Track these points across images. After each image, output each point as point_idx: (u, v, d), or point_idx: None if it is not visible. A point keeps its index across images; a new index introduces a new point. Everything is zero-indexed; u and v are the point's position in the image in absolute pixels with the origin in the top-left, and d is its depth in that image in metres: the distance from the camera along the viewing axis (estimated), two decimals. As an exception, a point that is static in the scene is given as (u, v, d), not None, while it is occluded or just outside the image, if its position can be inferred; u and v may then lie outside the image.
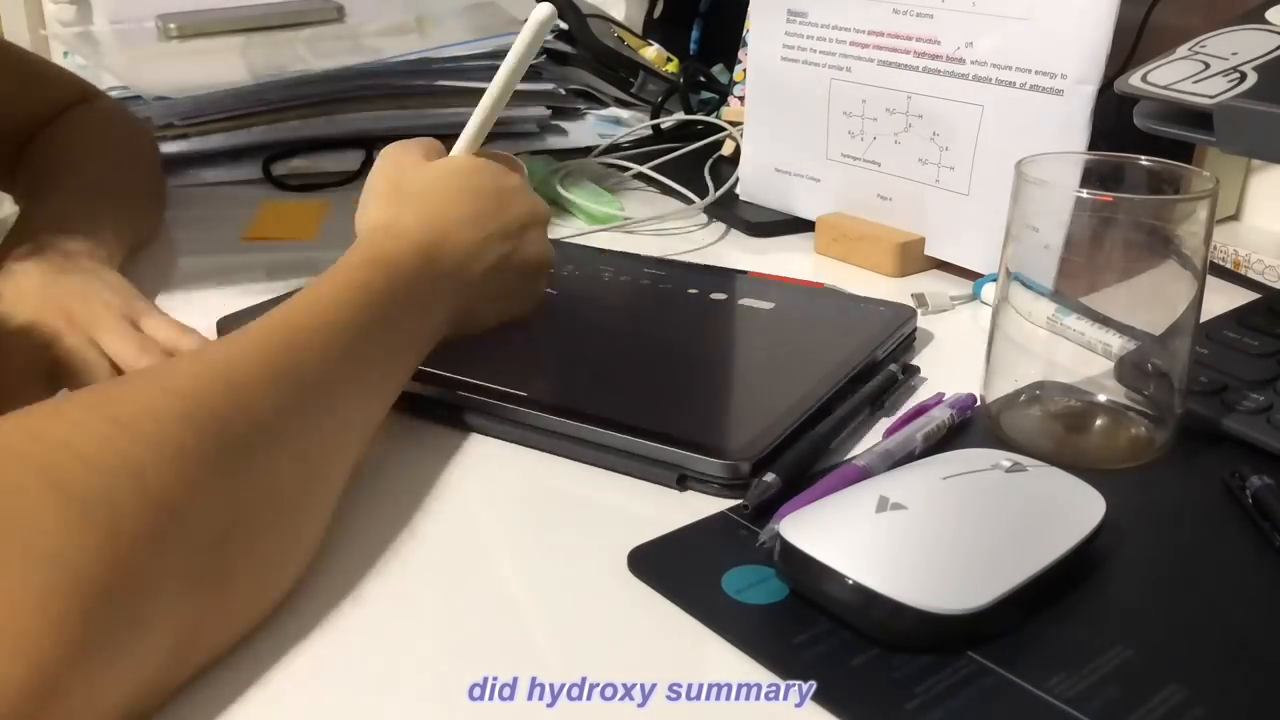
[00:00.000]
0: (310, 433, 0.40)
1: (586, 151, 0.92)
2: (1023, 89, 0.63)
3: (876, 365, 0.54)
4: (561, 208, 0.81)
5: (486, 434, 0.50)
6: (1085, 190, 0.44)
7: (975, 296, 0.66)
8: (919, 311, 0.64)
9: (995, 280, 0.64)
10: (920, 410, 0.49)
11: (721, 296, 0.61)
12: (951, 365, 0.57)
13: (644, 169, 0.86)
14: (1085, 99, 0.60)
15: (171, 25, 1.00)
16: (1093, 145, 0.61)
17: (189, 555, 0.32)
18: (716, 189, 0.80)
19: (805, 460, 0.46)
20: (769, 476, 0.44)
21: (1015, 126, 0.64)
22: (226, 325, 0.58)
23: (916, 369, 0.55)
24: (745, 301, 0.61)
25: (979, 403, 0.50)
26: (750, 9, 0.77)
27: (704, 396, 0.52)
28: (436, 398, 0.51)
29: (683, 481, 0.45)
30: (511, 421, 0.49)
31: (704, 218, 0.80)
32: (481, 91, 0.58)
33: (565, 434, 0.48)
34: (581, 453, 0.47)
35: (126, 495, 0.31)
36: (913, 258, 0.70)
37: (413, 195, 0.53)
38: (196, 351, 0.40)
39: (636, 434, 0.46)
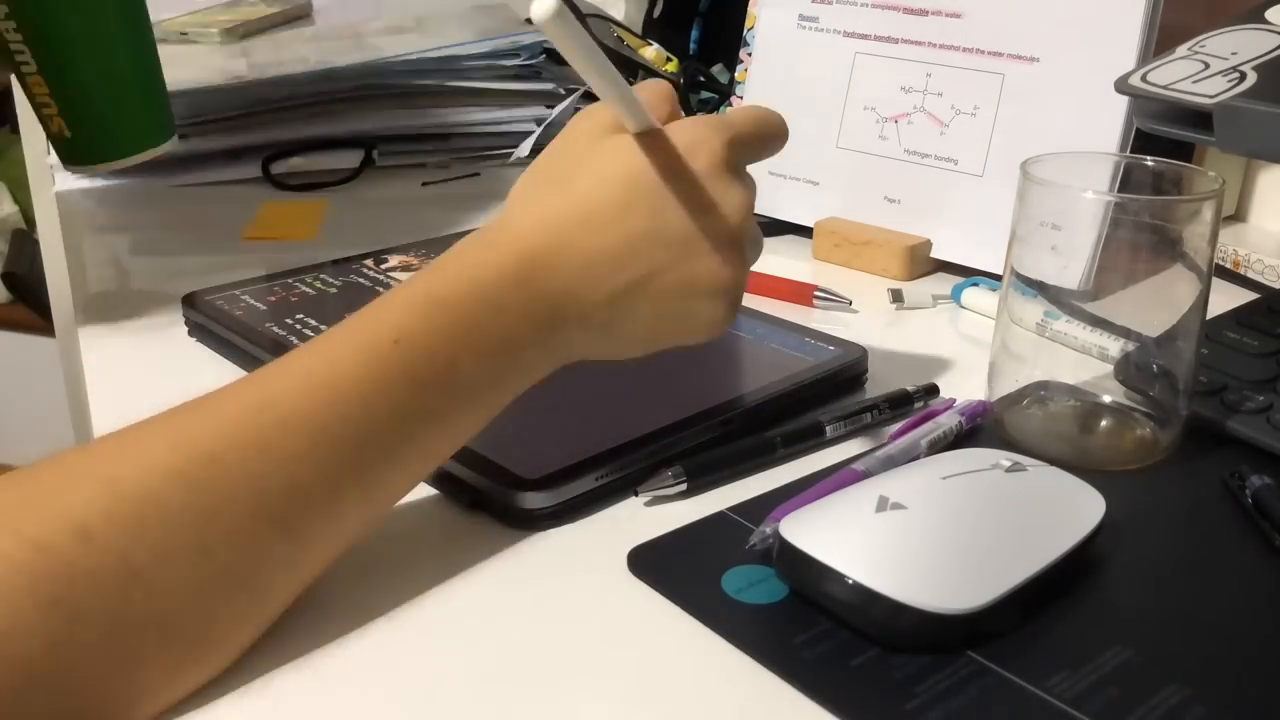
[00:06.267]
0: (265, 561, 0.34)
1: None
2: (1045, 64, 0.63)
3: (788, 409, 0.50)
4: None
5: None
6: (1091, 191, 0.44)
7: (955, 300, 0.66)
8: (894, 307, 0.64)
9: (975, 285, 0.65)
10: (928, 416, 0.49)
11: None
12: (922, 364, 0.57)
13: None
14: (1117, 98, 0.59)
15: (213, 30, 1.00)
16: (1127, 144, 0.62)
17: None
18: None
19: (716, 462, 0.45)
20: (673, 470, 0.44)
21: (1037, 106, 0.65)
22: (192, 299, 0.59)
23: (936, 390, 0.53)
24: None
25: (989, 410, 0.50)
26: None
27: (534, 418, 0.45)
28: None
29: (475, 505, 0.43)
30: None
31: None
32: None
33: None
34: None
35: None
36: (919, 260, 0.70)
37: (550, 175, 0.41)
38: (121, 463, 0.33)
39: None
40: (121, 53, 0.68)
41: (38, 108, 0.66)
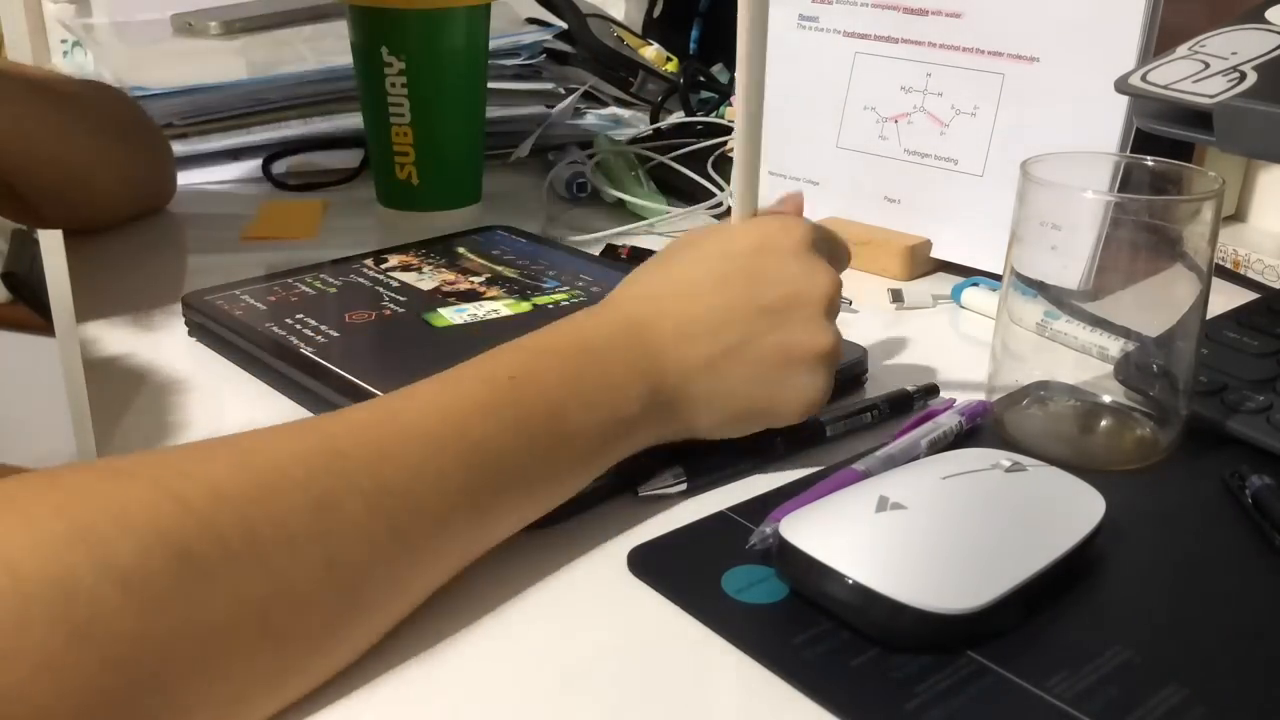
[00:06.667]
0: (375, 562, 0.34)
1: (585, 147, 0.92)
2: (1045, 64, 0.63)
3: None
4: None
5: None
6: (1091, 191, 0.44)
7: (955, 300, 0.66)
8: (894, 307, 0.64)
9: (975, 285, 0.65)
10: (928, 416, 0.49)
11: None
12: (922, 364, 0.57)
13: (666, 159, 0.85)
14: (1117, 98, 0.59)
15: (212, 23, 1.00)
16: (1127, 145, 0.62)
17: (103, 687, 0.28)
18: (720, 188, 0.80)
19: (715, 462, 0.45)
20: (674, 470, 0.44)
21: (1037, 106, 0.65)
22: (192, 299, 0.59)
23: (936, 390, 0.53)
24: None
25: (989, 410, 0.50)
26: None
27: None
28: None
29: None
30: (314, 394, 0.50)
31: (705, 218, 0.80)
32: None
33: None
34: None
35: (44, 612, 0.27)
36: (919, 260, 0.70)
37: (653, 263, 0.46)
38: (256, 441, 0.34)
39: None
40: (478, 117, 0.79)
41: (389, 156, 0.77)
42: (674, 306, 0.42)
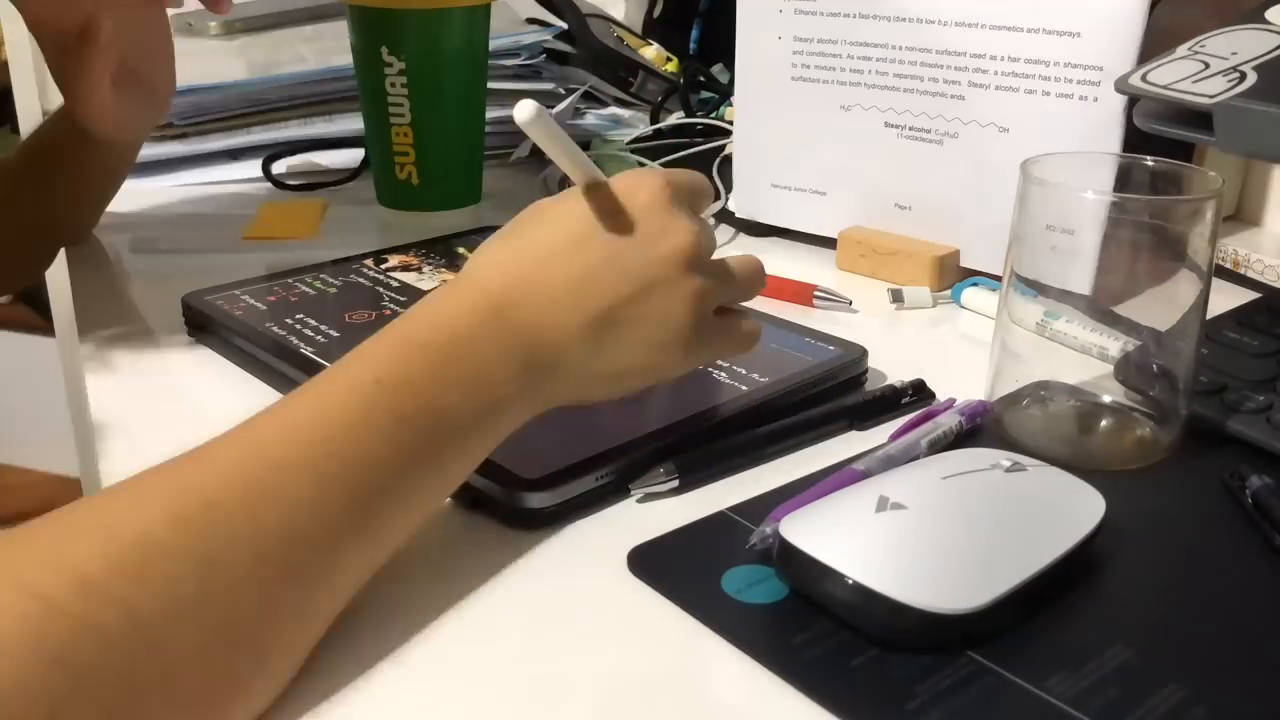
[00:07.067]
0: (269, 611, 0.32)
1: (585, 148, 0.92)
2: (1053, 82, 0.64)
3: (788, 408, 0.50)
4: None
5: None
6: (1091, 191, 0.44)
7: (955, 300, 0.66)
8: (894, 307, 0.64)
9: (975, 285, 0.65)
10: (928, 416, 0.49)
11: None
12: (922, 364, 0.57)
13: (657, 165, 0.86)
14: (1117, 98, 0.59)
15: (212, 23, 1.00)
16: (1126, 145, 0.62)
17: None
18: (726, 190, 0.80)
19: (707, 460, 0.46)
20: (664, 467, 0.44)
21: (1046, 127, 0.65)
22: (192, 299, 0.59)
23: (931, 393, 0.53)
24: None
25: (989, 410, 0.50)
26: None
27: (535, 418, 0.43)
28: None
29: (475, 505, 0.43)
30: None
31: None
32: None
33: None
34: None
35: None
36: (949, 270, 0.68)
37: (503, 234, 0.43)
38: (120, 508, 0.32)
39: None
40: (478, 118, 0.79)
41: (389, 155, 0.77)
42: (536, 274, 0.40)
